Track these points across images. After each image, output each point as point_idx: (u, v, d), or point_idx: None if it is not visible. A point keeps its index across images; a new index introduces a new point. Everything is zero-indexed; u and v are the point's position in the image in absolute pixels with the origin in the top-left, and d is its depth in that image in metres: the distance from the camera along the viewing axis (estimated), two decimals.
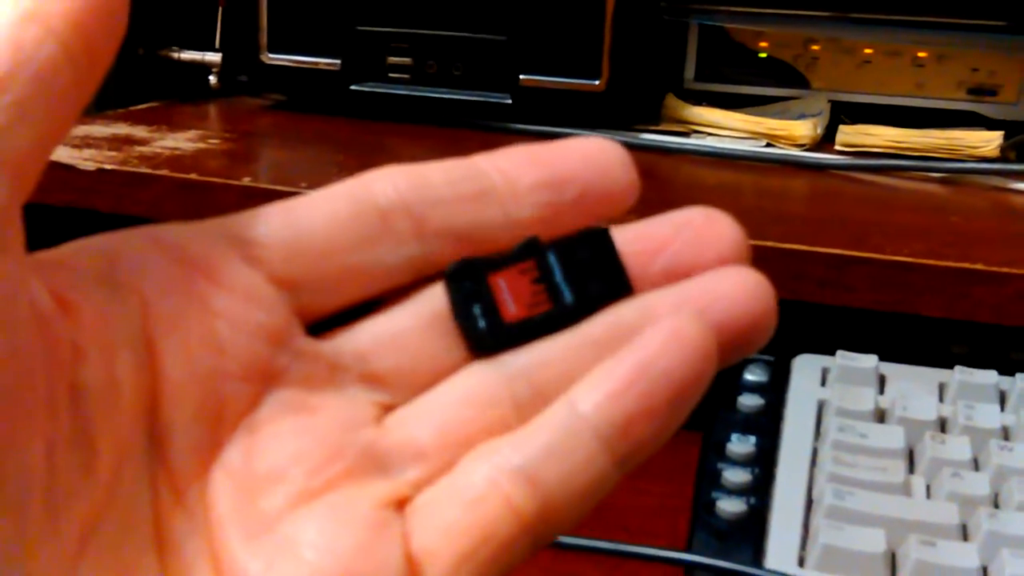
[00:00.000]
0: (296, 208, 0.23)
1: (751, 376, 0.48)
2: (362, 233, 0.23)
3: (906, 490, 0.40)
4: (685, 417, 0.22)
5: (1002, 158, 0.64)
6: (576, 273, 0.23)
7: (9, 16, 0.19)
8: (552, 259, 0.23)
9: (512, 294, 0.23)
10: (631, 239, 0.23)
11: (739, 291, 0.22)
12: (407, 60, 0.69)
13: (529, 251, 0.23)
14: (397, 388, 0.23)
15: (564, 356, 0.23)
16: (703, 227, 0.23)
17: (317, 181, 0.53)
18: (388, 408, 0.23)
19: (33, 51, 0.19)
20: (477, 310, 0.23)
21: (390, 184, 0.23)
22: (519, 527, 0.21)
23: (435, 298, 0.23)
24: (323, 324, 0.23)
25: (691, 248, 0.23)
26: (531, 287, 0.23)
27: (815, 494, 0.40)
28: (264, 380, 0.22)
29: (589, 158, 0.24)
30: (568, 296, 0.23)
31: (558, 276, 0.23)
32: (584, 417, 0.21)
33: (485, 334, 0.23)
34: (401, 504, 0.22)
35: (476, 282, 0.23)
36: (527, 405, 0.22)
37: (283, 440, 0.22)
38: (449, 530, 0.21)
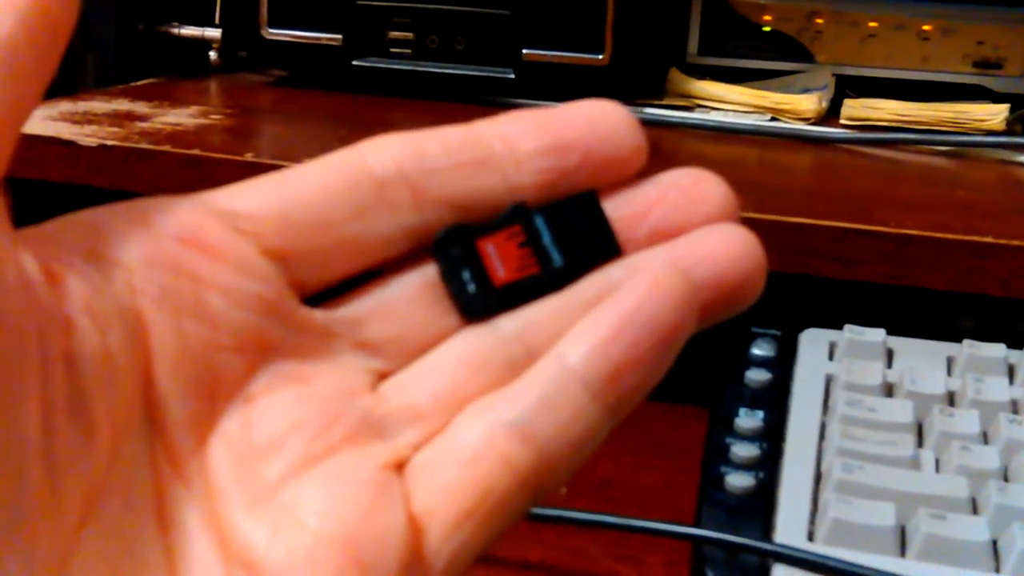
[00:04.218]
0: (289, 179, 0.23)
1: (759, 351, 0.48)
2: (358, 204, 0.22)
3: (915, 464, 0.40)
4: (670, 364, 0.22)
5: (1008, 131, 0.63)
6: (564, 236, 0.23)
7: None
8: (540, 223, 0.23)
9: (501, 258, 0.23)
10: (619, 202, 0.23)
11: (726, 248, 0.22)
12: (409, 35, 0.68)
13: (517, 216, 0.23)
14: (391, 355, 0.23)
15: (556, 318, 0.23)
16: (691, 188, 0.23)
17: (319, 156, 0.53)
18: (383, 375, 0.23)
19: None
20: (467, 275, 0.23)
21: (386, 153, 0.23)
22: (516, 482, 0.21)
23: (427, 266, 0.23)
24: (323, 295, 0.23)
25: (679, 209, 0.23)
26: (520, 251, 0.23)
27: (824, 468, 0.40)
28: (258, 351, 0.22)
29: (593, 122, 0.23)
30: (557, 259, 0.23)
31: (546, 240, 0.23)
32: (573, 369, 0.22)
33: (475, 299, 0.23)
34: (401, 466, 0.22)
35: (465, 248, 0.23)
36: (521, 367, 0.22)
37: (280, 409, 0.22)
38: (448, 490, 0.21)
